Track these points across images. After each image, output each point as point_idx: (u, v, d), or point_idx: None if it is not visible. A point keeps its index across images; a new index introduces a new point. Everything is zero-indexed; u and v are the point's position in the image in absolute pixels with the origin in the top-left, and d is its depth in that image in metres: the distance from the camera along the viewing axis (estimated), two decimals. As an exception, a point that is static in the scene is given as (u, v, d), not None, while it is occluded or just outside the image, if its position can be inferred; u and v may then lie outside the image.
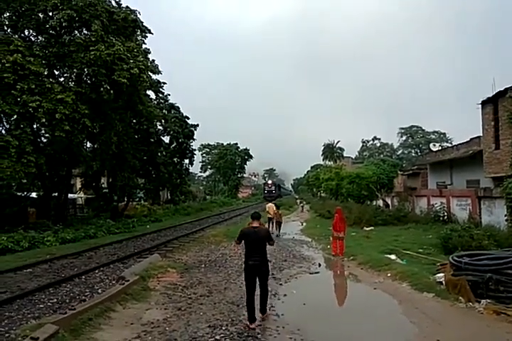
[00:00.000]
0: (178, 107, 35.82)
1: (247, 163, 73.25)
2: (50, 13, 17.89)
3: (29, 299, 7.50)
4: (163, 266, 10.68)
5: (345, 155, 74.07)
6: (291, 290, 8.86)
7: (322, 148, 75.52)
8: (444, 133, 73.84)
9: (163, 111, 31.35)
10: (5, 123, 18.25)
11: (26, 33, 19.03)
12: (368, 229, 19.63)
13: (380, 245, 13.88)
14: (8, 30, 18.53)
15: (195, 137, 37.80)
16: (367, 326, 6.63)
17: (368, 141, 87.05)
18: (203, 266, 11.56)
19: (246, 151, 71.95)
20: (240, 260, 12.36)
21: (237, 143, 72.17)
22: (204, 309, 7.32)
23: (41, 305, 7.12)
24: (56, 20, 16.98)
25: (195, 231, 19.75)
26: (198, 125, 37.49)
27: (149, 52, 21.67)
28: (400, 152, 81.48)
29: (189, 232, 19.10)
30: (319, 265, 11.82)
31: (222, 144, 72.98)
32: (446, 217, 18.85)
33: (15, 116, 17.32)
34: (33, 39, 19.05)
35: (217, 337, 5.85)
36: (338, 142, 74.49)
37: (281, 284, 9.40)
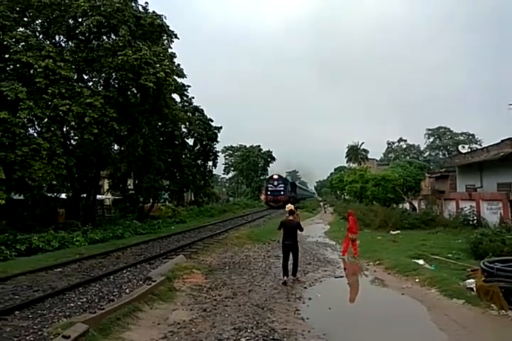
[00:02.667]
0: (202, 110, 36.21)
1: (270, 165, 73.23)
2: (80, 19, 18.45)
3: (60, 298, 7.71)
4: (188, 267, 10.78)
5: (369, 157, 73.07)
6: (316, 293, 8.78)
7: (346, 149, 74.67)
8: (473, 135, 71.71)
9: (188, 113, 31.72)
10: (36, 127, 18.89)
11: (57, 39, 19.70)
12: (394, 232, 19.26)
13: (408, 249, 13.58)
14: (40, 37, 19.24)
15: (218, 139, 38.15)
16: (394, 332, 6.51)
17: (394, 143, 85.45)
18: (227, 267, 11.61)
19: (269, 153, 71.98)
20: (264, 262, 12.40)
21: (259, 145, 72.31)
22: (229, 311, 7.35)
23: (71, 304, 7.31)
24: (85, 26, 17.50)
25: (218, 232, 19.85)
26: (221, 127, 37.79)
27: (175, 56, 22.02)
28: (426, 154, 79.64)
29: (213, 234, 19.21)
30: (344, 269, 11.68)
31: (245, 146, 73.26)
32: (475, 221, 18.29)
33: (46, 120, 17.93)
34: (63, 45, 19.69)
35: (243, 340, 5.86)
36: (362, 144, 73.48)
37: (305, 287, 9.34)
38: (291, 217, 10.48)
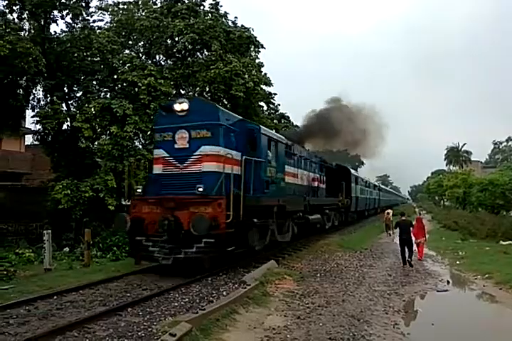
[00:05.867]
0: (288, 117, 36.49)
1: (358, 169, 70.67)
2: (176, 38, 20.12)
3: (165, 297, 8.27)
4: (280, 273, 10.86)
5: (472, 159, 66.53)
6: (417, 308, 8.26)
7: (445, 151, 69.04)
8: None
9: (274, 121, 32.22)
10: (141, 139, 20.87)
11: (157, 58, 21.76)
12: (505, 243, 17.26)
13: (523, 263, 12.08)
14: (143, 57, 21.34)
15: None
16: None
17: (501, 143, 76.99)
18: (318, 275, 11.44)
19: (357, 158, 69.66)
20: (357, 272, 11.99)
21: (346, 149, 70.21)
22: (323, 320, 7.24)
23: (175, 304, 7.81)
24: (181, 44, 19.09)
25: (305, 239, 19.39)
26: (308, 132, 37.67)
27: (262, 66, 22.71)
28: (542, 153, 70.18)
29: (299, 239, 18.80)
30: (448, 282, 10.76)
31: (332, 151, 71.67)
32: None
33: (149, 133, 19.73)
34: (162, 63, 21.64)
35: (340, 351, 5.73)
36: (463, 145, 67.19)
37: (404, 300, 8.81)
38: (404, 218, 13.70)
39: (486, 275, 11.03)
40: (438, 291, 9.79)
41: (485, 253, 14.89)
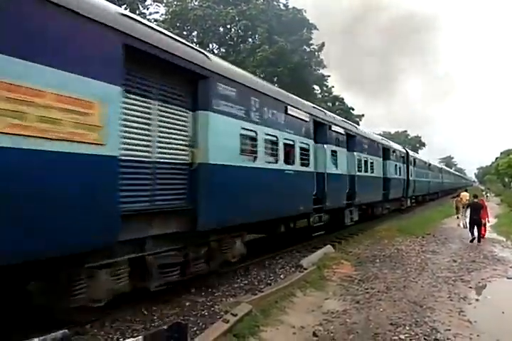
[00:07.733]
0: (342, 99, 35.68)
1: (419, 151, 67.43)
2: (229, 26, 20.25)
3: (226, 279, 8.66)
4: (337, 258, 10.87)
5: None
6: (485, 295, 7.89)
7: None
8: None
9: (328, 104, 31.54)
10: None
11: (211, 47, 22.04)
12: None
13: None
14: (197, 47, 21.81)
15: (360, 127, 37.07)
16: None
17: None
18: (377, 260, 11.25)
19: (417, 139, 66.48)
20: (419, 257, 11.63)
21: (406, 131, 67.30)
22: (383, 305, 7.17)
23: (235, 285, 8.13)
24: (234, 31, 19.24)
25: (362, 224, 18.97)
26: (363, 115, 36.71)
27: (311, 44, 22.24)
28: None
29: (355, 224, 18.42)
30: (520, 269, 10.16)
31: (390, 133, 68.99)
32: None
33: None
34: (215, 52, 21.93)
35: (402, 337, 5.67)
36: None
37: (470, 287, 8.46)
38: (476, 200, 15.27)
39: None
40: (508, 278, 9.29)
41: None
